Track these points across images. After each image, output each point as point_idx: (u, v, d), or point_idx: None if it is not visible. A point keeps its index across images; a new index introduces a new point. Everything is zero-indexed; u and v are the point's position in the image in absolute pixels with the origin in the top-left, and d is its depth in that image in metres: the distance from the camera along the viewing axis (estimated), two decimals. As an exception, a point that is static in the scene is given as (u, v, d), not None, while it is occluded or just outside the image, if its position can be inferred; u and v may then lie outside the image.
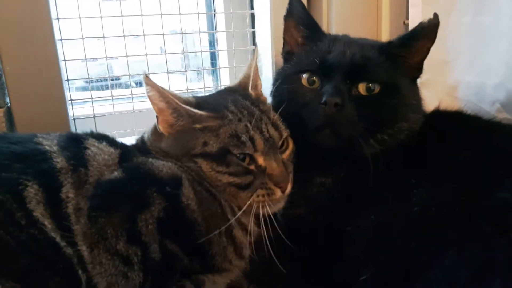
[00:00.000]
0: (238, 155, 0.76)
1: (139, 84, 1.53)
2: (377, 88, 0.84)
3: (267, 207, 0.78)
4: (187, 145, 0.78)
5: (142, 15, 1.23)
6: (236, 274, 0.81)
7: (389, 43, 0.90)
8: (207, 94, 1.03)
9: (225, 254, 0.75)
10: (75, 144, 0.76)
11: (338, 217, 0.78)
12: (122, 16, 1.21)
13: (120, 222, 0.67)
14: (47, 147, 0.74)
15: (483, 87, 1.05)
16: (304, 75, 0.88)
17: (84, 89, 1.31)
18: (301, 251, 0.77)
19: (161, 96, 0.77)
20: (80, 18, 1.17)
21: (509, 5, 0.96)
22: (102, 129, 1.20)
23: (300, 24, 0.96)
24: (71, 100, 1.22)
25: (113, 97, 1.26)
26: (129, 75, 1.27)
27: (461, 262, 0.55)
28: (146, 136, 0.87)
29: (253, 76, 0.88)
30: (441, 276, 0.56)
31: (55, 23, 1.13)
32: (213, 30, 1.47)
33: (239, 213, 0.77)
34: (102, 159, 0.74)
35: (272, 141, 0.79)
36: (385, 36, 1.29)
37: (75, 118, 1.22)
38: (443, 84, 1.15)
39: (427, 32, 0.88)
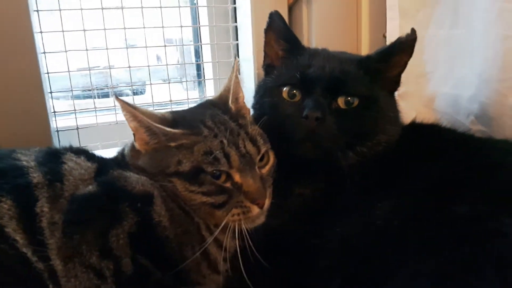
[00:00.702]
0: (214, 172, 0.75)
1: (137, 93, 1.55)
2: (356, 102, 0.85)
3: (245, 224, 0.77)
4: (162, 163, 0.77)
5: (125, 28, 1.25)
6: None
7: (368, 58, 0.92)
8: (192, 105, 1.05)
9: (199, 269, 0.76)
10: (53, 159, 0.77)
11: (313, 228, 0.79)
12: (105, 29, 1.23)
13: (93, 237, 0.68)
14: (24, 163, 0.75)
15: (458, 99, 1.07)
16: (285, 89, 0.89)
17: (77, 97, 1.33)
18: (276, 263, 0.78)
19: (132, 116, 0.77)
20: (63, 31, 1.19)
21: (480, 19, 0.98)
22: (86, 140, 1.24)
23: (280, 38, 0.97)
24: (54, 112, 1.23)
25: (97, 109, 1.27)
26: (112, 86, 1.28)
27: (419, 275, 0.57)
28: (126, 150, 0.87)
29: (233, 89, 0.86)
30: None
31: (38, 36, 1.15)
32: (198, 41, 1.49)
33: (215, 233, 0.77)
34: (78, 173, 0.75)
35: (249, 157, 0.77)
36: (365, 48, 1.32)
37: (58, 130, 1.24)
38: (420, 96, 1.17)
39: (405, 46, 0.89)
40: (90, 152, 0.86)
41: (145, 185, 0.75)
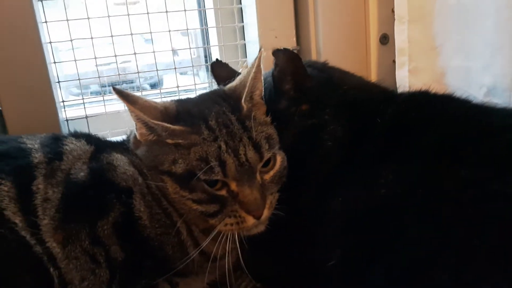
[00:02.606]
0: (205, 180, 0.71)
1: (154, 86, 1.58)
2: None
3: (240, 232, 0.75)
4: (157, 158, 0.74)
5: (128, 15, 1.25)
6: (212, 277, 0.81)
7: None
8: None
9: (187, 264, 0.75)
10: (56, 142, 0.80)
11: (316, 198, 0.77)
12: (109, 16, 1.23)
13: (85, 225, 0.69)
14: (29, 145, 0.77)
15: (469, 72, 1.02)
16: None
17: (92, 93, 1.35)
18: (276, 238, 0.77)
19: (129, 109, 0.74)
20: (67, 20, 1.19)
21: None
22: (96, 128, 1.25)
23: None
24: (63, 101, 1.25)
25: (105, 99, 1.28)
26: (119, 74, 1.28)
27: (418, 243, 0.54)
28: (131, 136, 0.86)
29: (250, 85, 0.77)
30: (397, 258, 0.56)
31: (43, 26, 1.16)
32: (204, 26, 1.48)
33: (202, 245, 0.75)
34: (77, 154, 0.77)
35: (247, 165, 0.71)
36: (373, 24, 1.27)
37: (68, 119, 1.25)
38: (431, 71, 1.13)
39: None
40: (93, 135, 0.87)
41: (128, 180, 0.74)
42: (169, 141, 0.73)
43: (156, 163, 0.75)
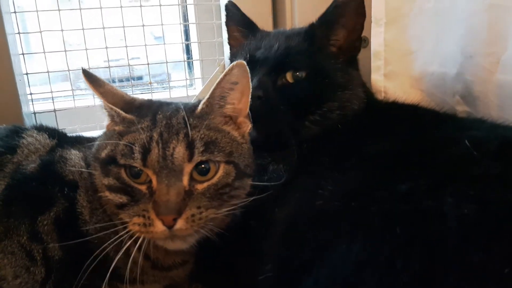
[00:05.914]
0: (126, 164, 0.66)
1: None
2: (303, 74, 0.87)
3: (156, 241, 0.68)
4: (98, 146, 0.72)
5: (101, 8, 1.22)
6: (161, 285, 0.78)
7: (311, 26, 0.93)
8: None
9: (131, 270, 0.71)
10: (14, 135, 0.79)
11: (258, 208, 0.73)
12: (80, 8, 1.20)
13: (24, 218, 0.67)
14: None
15: (444, 78, 0.97)
16: None
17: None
18: (217, 251, 0.73)
19: (93, 93, 0.72)
20: (37, 10, 1.17)
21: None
22: (65, 123, 1.23)
23: (239, 25, 1.03)
24: (31, 94, 1.23)
25: (74, 93, 1.26)
26: (89, 68, 1.25)
27: (345, 260, 0.50)
28: None
29: (212, 93, 0.72)
30: (327, 272, 0.52)
31: (10, 16, 1.14)
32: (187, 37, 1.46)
33: (123, 237, 0.67)
34: (34, 147, 0.77)
35: (171, 161, 0.64)
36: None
37: (35, 112, 1.23)
38: (407, 76, 1.08)
39: (346, 8, 0.89)
40: (58, 130, 0.86)
41: (74, 173, 0.73)
42: (116, 127, 0.71)
43: (95, 150, 0.73)
